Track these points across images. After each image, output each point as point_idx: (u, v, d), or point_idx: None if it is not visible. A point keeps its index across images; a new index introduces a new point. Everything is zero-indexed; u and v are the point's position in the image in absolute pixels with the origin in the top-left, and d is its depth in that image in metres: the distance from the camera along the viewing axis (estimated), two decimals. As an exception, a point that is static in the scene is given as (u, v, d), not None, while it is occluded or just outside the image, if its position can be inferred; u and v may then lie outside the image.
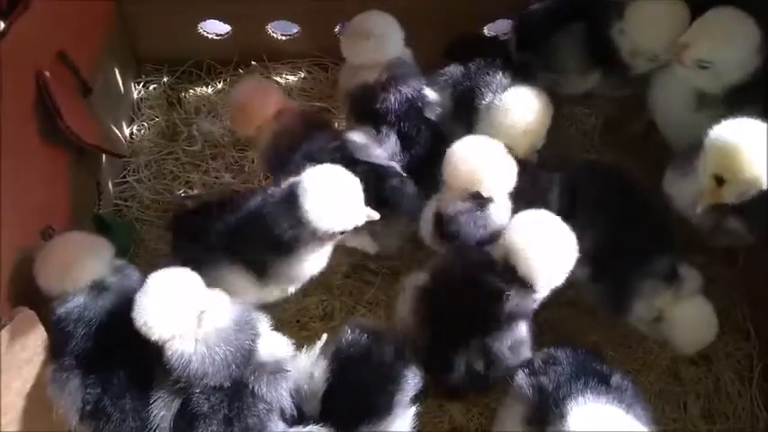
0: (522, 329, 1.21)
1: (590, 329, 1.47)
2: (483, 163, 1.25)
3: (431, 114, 1.42)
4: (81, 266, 1.13)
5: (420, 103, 1.41)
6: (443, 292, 1.22)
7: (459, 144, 1.28)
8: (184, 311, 1.06)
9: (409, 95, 1.39)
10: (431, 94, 1.44)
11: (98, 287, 1.14)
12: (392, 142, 1.39)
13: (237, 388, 1.09)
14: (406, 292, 1.26)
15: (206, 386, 1.07)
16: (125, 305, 1.06)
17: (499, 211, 1.28)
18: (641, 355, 1.46)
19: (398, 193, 1.34)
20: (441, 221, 1.30)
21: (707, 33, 1.28)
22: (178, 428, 1.09)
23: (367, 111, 1.40)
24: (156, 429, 1.09)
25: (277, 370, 1.12)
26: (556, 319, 1.46)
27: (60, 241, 1.18)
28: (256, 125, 1.39)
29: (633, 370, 1.44)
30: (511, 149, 1.34)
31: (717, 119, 1.31)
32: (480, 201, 1.26)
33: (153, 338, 1.04)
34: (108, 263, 1.17)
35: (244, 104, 1.40)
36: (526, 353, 1.21)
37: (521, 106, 1.34)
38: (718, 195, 1.19)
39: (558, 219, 1.17)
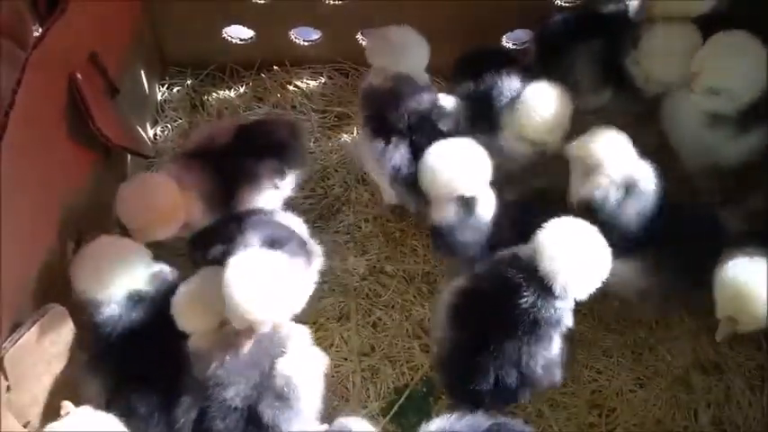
0: (555, 346, 1.22)
1: (601, 337, 1.49)
2: (457, 165, 1.30)
3: (445, 126, 1.43)
4: (116, 276, 1.15)
5: (434, 116, 1.42)
6: (476, 293, 1.25)
7: (428, 155, 1.33)
8: (213, 312, 1.09)
9: (416, 107, 1.40)
10: (448, 103, 1.46)
11: (133, 298, 1.16)
12: (402, 152, 1.41)
13: (253, 412, 1.11)
14: (445, 292, 1.30)
15: (222, 403, 1.09)
16: (159, 316, 1.12)
17: (485, 207, 1.33)
18: (652, 363, 1.47)
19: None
20: (437, 235, 1.34)
21: (714, 61, 1.31)
22: None
23: (375, 114, 1.43)
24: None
25: (280, 396, 1.12)
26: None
27: (97, 247, 1.19)
28: (184, 214, 1.30)
29: (644, 377, 1.45)
30: (543, 145, 1.39)
31: (730, 138, 1.35)
32: (467, 204, 1.30)
33: (179, 327, 1.10)
34: (144, 271, 1.19)
35: (155, 210, 1.26)
36: (557, 374, 1.23)
37: (545, 100, 1.37)
38: (734, 327, 1.24)
39: (595, 230, 1.19)
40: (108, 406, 1.12)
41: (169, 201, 1.27)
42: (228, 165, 1.36)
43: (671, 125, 1.46)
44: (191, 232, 1.34)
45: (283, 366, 1.14)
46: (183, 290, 1.12)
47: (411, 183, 1.41)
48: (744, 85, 1.31)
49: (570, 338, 1.43)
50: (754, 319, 1.20)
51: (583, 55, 1.48)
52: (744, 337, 1.50)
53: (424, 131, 1.40)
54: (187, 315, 1.10)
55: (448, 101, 1.46)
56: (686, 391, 1.45)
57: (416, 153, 1.40)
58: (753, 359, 1.48)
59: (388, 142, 1.40)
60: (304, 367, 1.17)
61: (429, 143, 1.38)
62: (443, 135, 1.41)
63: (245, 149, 1.38)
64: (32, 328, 1.04)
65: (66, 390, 1.14)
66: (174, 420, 1.13)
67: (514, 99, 1.42)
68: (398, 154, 1.40)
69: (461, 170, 1.31)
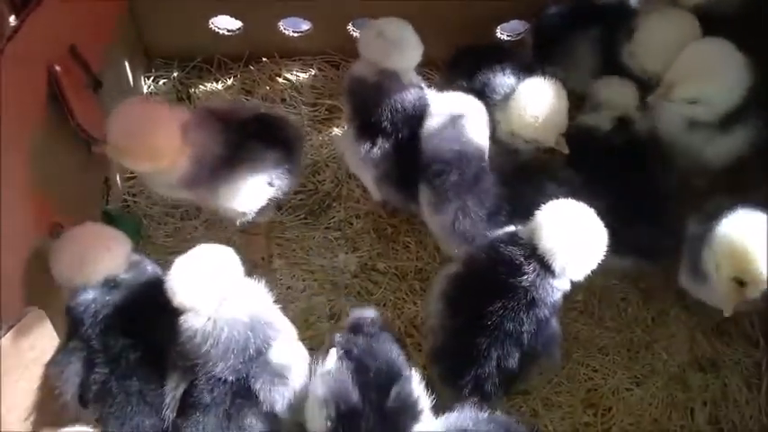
0: (552, 326, 1.20)
1: (598, 335, 1.47)
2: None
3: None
4: (94, 262, 1.13)
5: (421, 114, 1.37)
6: (470, 276, 1.22)
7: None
8: (211, 289, 1.07)
9: (401, 107, 1.36)
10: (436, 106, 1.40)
11: (109, 284, 1.14)
12: (388, 155, 1.37)
13: (242, 385, 1.09)
14: (438, 279, 1.28)
15: (211, 376, 1.08)
16: (135, 300, 1.11)
17: (474, 127, 1.32)
18: (649, 361, 1.45)
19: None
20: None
21: (690, 72, 1.28)
22: (180, 414, 1.10)
23: (359, 108, 1.39)
24: (165, 410, 1.10)
25: (277, 374, 1.12)
26: (564, 324, 1.45)
27: (76, 234, 1.17)
28: (168, 160, 1.24)
29: (640, 375, 1.44)
30: (539, 143, 1.37)
31: (710, 140, 1.33)
32: (453, 119, 1.30)
33: (174, 303, 1.05)
34: (122, 258, 1.17)
35: (145, 139, 1.19)
36: (557, 353, 1.22)
37: (538, 97, 1.34)
38: (741, 295, 1.13)
39: (593, 212, 1.17)
40: (81, 391, 1.11)
41: (168, 138, 1.21)
42: (238, 139, 1.33)
43: (657, 125, 1.42)
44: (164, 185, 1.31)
45: (277, 348, 1.13)
46: (180, 265, 1.07)
47: (397, 182, 1.39)
48: (721, 93, 1.28)
49: (566, 337, 1.42)
50: (759, 276, 1.09)
51: (581, 44, 1.45)
52: (740, 335, 1.48)
53: (410, 131, 1.36)
54: (184, 292, 1.06)
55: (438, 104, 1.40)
56: (683, 389, 1.43)
57: (402, 153, 1.36)
58: (750, 356, 1.46)
59: (373, 144, 1.37)
60: (294, 350, 1.17)
61: (415, 143, 1.34)
62: None
63: (258, 132, 1.36)
64: (9, 333, 1.02)
65: (45, 394, 1.11)
66: (150, 403, 1.12)
67: (508, 95, 1.38)
68: (384, 155, 1.37)
69: (457, 96, 1.35)
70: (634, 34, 1.39)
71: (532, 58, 1.46)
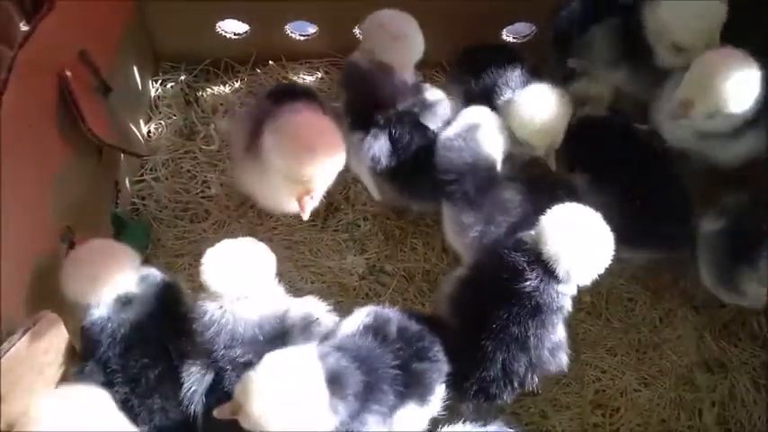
0: (559, 331, 1.20)
1: (606, 336, 1.48)
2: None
3: (430, 122, 1.36)
4: (105, 282, 1.12)
5: (417, 109, 1.36)
6: (476, 281, 1.22)
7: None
8: (238, 282, 1.08)
9: (395, 101, 1.33)
10: (436, 98, 1.39)
11: (121, 301, 1.14)
12: (381, 143, 1.34)
13: None
14: (445, 281, 1.28)
15: (237, 363, 1.08)
16: (150, 315, 1.11)
17: (486, 136, 1.33)
18: (657, 362, 1.46)
19: None
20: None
21: (710, 86, 1.23)
22: (210, 406, 1.08)
23: (355, 96, 1.38)
24: (188, 405, 1.10)
25: (306, 323, 1.14)
26: (571, 325, 1.46)
27: (86, 251, 1.17)
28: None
29: (648, 376, 1.44)
30: (531, 147, 1.36)
31: (724, 144, 1.33)
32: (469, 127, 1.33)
33: (210, 290, 1.07)
34: (132, 274, 1.16)
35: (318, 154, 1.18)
36: (564, 358, 1.21)
37: (539, 102, 1.33)
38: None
39: (599, 216, 1.15)
40: None
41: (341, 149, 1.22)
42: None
43: (661, 131, 1.40)
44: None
45: (296, 308, 1.15)
46: (221, 247, 1.10)
47: (391, 175, 1.36)
48: (742, 103, 1.24)
49: (574, 337, 1.43)
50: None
51: (601, 31, 1.43)
52: (748, 335, 1.49)
53: (404, 124, 1.34)
54: (216, 276, 1.08)
55: (436, 95, 1.39)
56: (691, 390, 1.44)
57: (397, 146, 1.34)
58: (757, 357, 1.47)
59: (367, 133, 1.34)
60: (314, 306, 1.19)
61: (410, 137, 1.33)
62: (426, 130, 1.35)
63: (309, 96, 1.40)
64: (24, 337, 1.01)
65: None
66: (174, 419, 1.12)
67: (512, 99, 1.37)
68: (377, 144, 1.34)
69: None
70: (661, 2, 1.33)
71: (552, 52, 1.44)
